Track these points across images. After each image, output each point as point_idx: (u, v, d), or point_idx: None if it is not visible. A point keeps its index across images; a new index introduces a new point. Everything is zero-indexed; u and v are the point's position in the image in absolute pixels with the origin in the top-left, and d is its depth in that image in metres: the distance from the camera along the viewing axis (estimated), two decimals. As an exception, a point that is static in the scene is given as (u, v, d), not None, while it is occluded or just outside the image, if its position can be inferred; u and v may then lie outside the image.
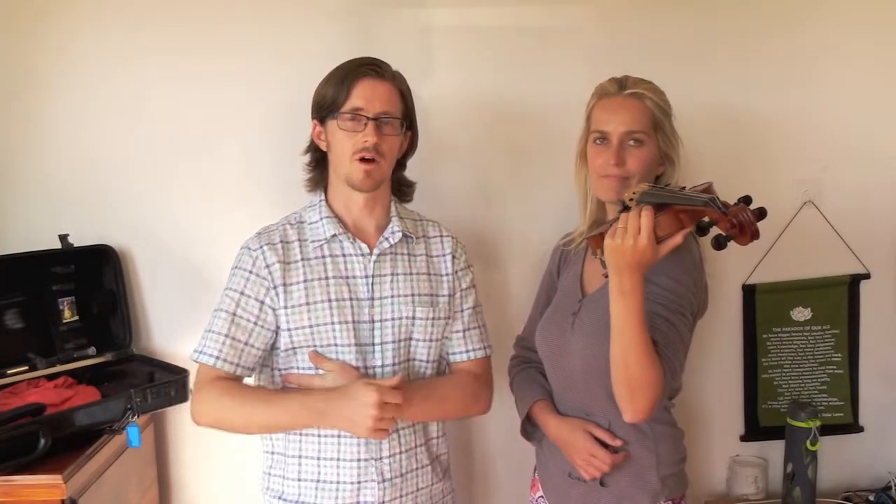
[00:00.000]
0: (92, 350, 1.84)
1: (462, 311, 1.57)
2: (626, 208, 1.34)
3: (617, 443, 1.47)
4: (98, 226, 1.88)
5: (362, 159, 1.41)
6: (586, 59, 1.85)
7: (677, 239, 1.25)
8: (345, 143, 1.42)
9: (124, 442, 1.66)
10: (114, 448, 1.66)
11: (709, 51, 1.89)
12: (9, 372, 1.73)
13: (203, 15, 1.84)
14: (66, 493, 1.46)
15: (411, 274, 1.50)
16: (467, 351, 1.58)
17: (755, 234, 1.16)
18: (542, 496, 1.63)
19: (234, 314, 1.44)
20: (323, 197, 1.51)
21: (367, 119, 1.41)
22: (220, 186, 1.89)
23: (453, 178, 1.92)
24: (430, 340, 1.51)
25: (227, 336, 1.44)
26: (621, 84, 1.51)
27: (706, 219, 1.20)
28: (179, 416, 1.92)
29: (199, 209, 1.90)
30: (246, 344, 1.45)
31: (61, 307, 1.84)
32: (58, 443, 1.51)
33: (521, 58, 1.88)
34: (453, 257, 1.56)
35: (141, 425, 1.67)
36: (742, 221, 1.16)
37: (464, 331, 1.57)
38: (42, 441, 1.49)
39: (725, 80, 1.89)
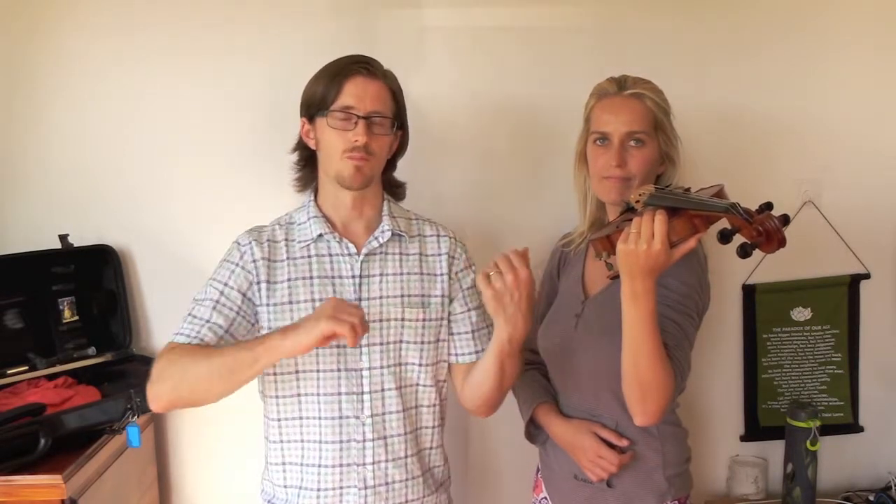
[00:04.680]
0: (92, 350, 1.84)
1: (469, 311, 1.52)
2: (630, 209, 1.33)
3: (623, 443, 1.46)
4: (98, 226, 1.88)
5: (350, 157, 1.38)
6: (586, 59, 1.84)
7: (691, 244, 1.23)
8: (334, 142, 1.39)
9: (124, 442, 1.66)
10: (114, 448, 1.66)
11: (709, 51, 1.89)
12: (9, 372, 1.73)
13: (202, 15, 1.84)
14: (66, 493, 1.46)
15: (401, 274, 1.46)
16: (477, 351, 1.51)
17: (782, 242, 1.15)
18: (545, 497, 1.63)
19: (217, 301, 1.40)
20: (312, 197, 1.49)
21: (358, 118, 1.37)
22: (219, 186, 1.89)
23: (452, 179, 1.91)
24: (422, 343, 1.46)
25: (207, 321, 1.37)
26: (621, 84, 1.50)
27: (728, 226, 1.18)
28: (179, 416, 1.92)
29: (199, 209, 1.90)
30: (226, 332, 1.38)
31: (61, 307, 1.84)
32: (58, 443, 1.51)
33: (520, 58, 1.88)
34: (451, 257, 1.51)
35: (141, 425, 1.68)
36: (769, 229, 1.14)
37: (473, 331, 1.52)
38: (42, 441, 1.49)
39: (725, 80, 1.89)
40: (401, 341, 1.44)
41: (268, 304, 1.41)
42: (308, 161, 1.50)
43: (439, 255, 1.51)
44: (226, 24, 1.84)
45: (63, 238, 1.83)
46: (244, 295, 1.41)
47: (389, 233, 1.46)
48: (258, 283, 1.42)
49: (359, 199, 1.45)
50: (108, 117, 1.86)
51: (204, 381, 1.29)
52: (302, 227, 1.46)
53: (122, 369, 1.85)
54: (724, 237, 1.17)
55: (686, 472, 1.53)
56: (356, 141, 1.37)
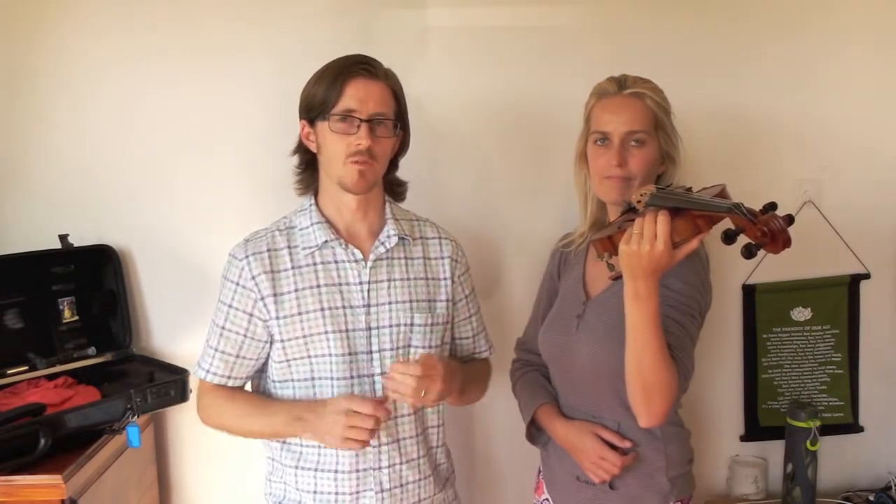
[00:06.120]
0: (92, 350, 1.84)
1: (471, 316, 1.57)
2: (631, 209, 1.33)
3: (626, 444, 1.46)
4: (98, 226, 1.88)
5: (354, 161, 1.36)
6: (586, 59, 1.84)
7: (693, 244, 1.23)
8: (336, 146, 1.36)
9: (124, 442, 1.66)
10: (114, 448, 1.66)
11: (709, 51, 1.89)
12: (9, 372, 1.73)
13: (202, 15, 1.84)
14: (66, 493, 1.47)
15: (408, 279, 1.46)
16: (475, 353, 1.60)
17: (787, 243, 1.14)
18: (546, 498, 1.62)
19: (223, 328, 1.43)
20: (313, 201, 1.46)
21: (360, 121, 1.35)
22: (219, 186, 1.89)
23: (453, 179, 1.92)
24: (429, 347, 1.46)
25: (216, 350, 1.44)
26: (621, 83, 1.50)
27: (732, 227, 1.18)
28: (179, 416, 1.92)
29: (199, 209, 1.90)
30: (237, 357, 1.44)
31: (61, 307, 1.84)
32: (58, 443, 1.51)
33: (520, 58, 1.88)
34: (454, 261, 1.52)
35: (141, 425, 1.68)
36: (773, 230, 1.13)
37: (473, 336, 1.59)
38: (42, 441, 1.49)
39: (726, 80, 1.89)
40: (409, 346, 1.44)
41: (277, 318, 1.40)
42: (309, 164, 1.48)
43: (442, 258, 1.51)
44: (226, 25, 1.84)
45: (63, 238, 1.83)
46: (250, 315, 1.41)
47: (396, 238, 1.45)
48: (262, 298, 1.40)
49: (363, 202, 1.43)
50: (108, 117, 1.86)
51: (242, 434, 1.47)
52: (305, 233, 1.43)
53: (122, 369, 1.85)
54: (729, 238, 1.16)
55: (689, 472, 1.53)
56: (359, 145, 1.35)
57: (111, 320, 1.89)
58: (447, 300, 1.50)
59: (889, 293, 2.01)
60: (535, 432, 1.63)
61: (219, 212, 1.88)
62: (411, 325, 1.44)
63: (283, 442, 1.45)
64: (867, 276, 1.98)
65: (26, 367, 1.76)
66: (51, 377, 1.77)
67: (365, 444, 1.32)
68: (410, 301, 1.45)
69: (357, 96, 1.35)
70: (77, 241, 1.85)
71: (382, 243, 1.44)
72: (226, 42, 1.84)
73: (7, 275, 1.77)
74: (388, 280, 1.44)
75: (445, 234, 1.55)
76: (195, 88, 1.86)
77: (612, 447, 1.46)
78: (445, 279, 1.50)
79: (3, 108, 1.86)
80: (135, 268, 1.92)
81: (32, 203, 1.88)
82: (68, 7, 1.83)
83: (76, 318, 1.86)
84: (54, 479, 1.46)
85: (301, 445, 1.44)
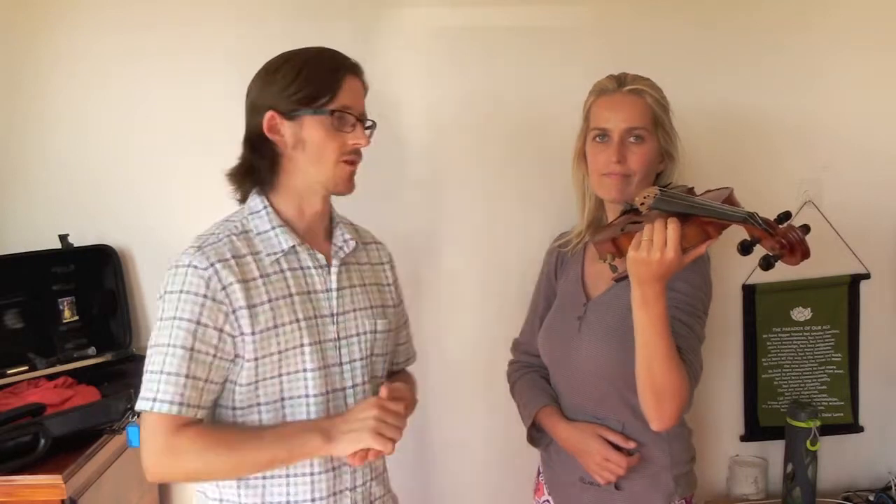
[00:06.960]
0: (92, 350, 1.84)
1: (406, 321, 1.54)
2: (632, 210, 1.32)
3: (630, 445, 1.45)
4: (98, 226, 1.88)
5: (348, 161, 1.29)
6: (585, 59, 1.84)
7: (701, 249, 1.22)
8: (330, 145, 1.26)
9: (124, 442, 1.66)
10: (114, 448, 1.66)
11: (709, 51, 1.89)
12: (9, 372, 1.74)
13: (202, 15, 1.84)
14: (66, 493, 1.46)
15: (365, 285, 1.39)
16: (408, 359, 1.57)
17: (806, 254, 1.12)
18: (547, 500, 1.62)
19: (192, 349, 1.20)
20: (268, 203, 1.32)
21: (356, 120, 1.28)
22: (219, 186, 1.88)
23: (450, 179, 1.91)
24: (385, 354, 1.40)
25: (187, 377, 1.19)
26: (620, 81, 1.50)
27: (748, 237, 1.16)
28: (179, 416, 1.92)
29: (199, 209, 1.88)
30: (206, 381, 1.22)
31: (61, 307, 1.84)
32: (58, 443, 1.51)
33: (518, 58, 1.88)
34: (391, 266, 1.48)
35: (141, 425, 1.67)
36: (792, 241, 1.11)
37: (407, 342, 1.55)
38: (42, 441, 1.49)
39: (725, 79, 1.89)
40: (372, 355, 1.37)
41: (252, 333, 1.23)
42: (269, 159, 1.31)
43: (382, 263, 1.46)
44: (227, 25, 1.84)
45: (63, 238, 1.83)
46: (221, 331, 1.22)
47: (353, 242, 1.38)
48: (234, 311, 1.22)
49: (327, 204, 1.36)
50: (108, 117, 1.86)
51: (226, 473, 1.26)
52: (265, 238, 1.29)
53: (122, 369, 1.85)
54: (745, 249, 1.15)
55: (691, 471, 1.53)
56: (356, 144, 1.29)
57: (111, 320, 1.89)
58: (394, 305, 1.46)
59: (889, 293, 2.01)
60: (535, 434, 1.61)
61: (219, 212, 1.86)
62: (375, 331, 1.36)
63: (239, 479, 1.29)
64: (867, 276, 1.98)
65: (26, 367, 1.76)
66: (51, 377, 1.77)
67: (392, 450, 1.23)
68: (371, 307, 1.38)
69: (353, 94, 1.29)
70: (77, 241, 1.85)
71: (341, 248, 1.36)
72: (227, 42, 1.84)
73: (7, 275, 1.77)
74: (350, 286, 1.36)
75: (377, 238, 1.49)
76: (195, 88, 1.86)
77: (617, 448, 1.45)
78: (388, 285, 1.46)
79: (3, 107, 1.86)
80: (135, 268, 1.92)
81: (32, 203, 1.89)
82: (68, 7, 1.83)
83: (76, 318, 1.86)
84: (54, 479, 1.46)
85: (263, 478, 1.28)
